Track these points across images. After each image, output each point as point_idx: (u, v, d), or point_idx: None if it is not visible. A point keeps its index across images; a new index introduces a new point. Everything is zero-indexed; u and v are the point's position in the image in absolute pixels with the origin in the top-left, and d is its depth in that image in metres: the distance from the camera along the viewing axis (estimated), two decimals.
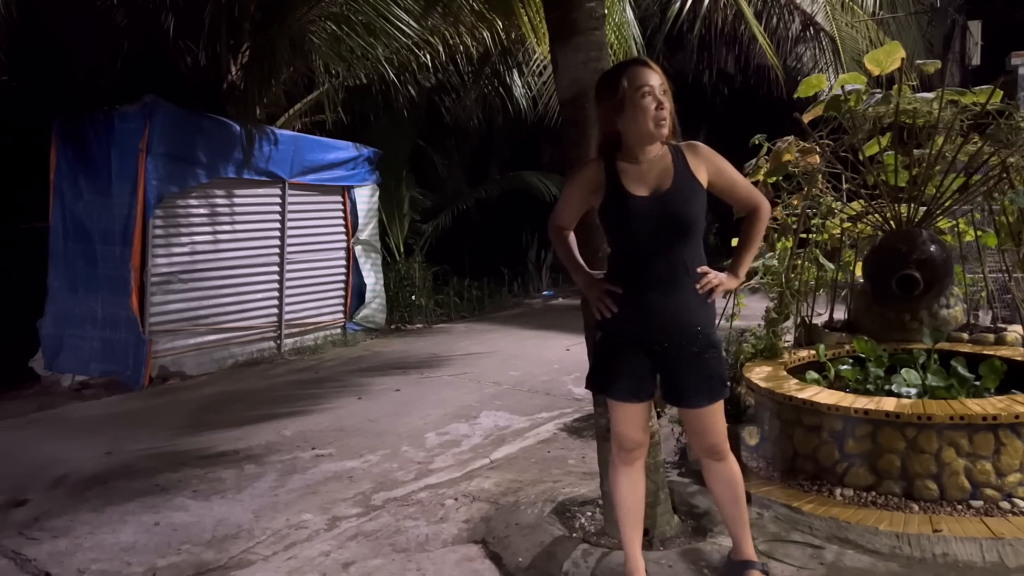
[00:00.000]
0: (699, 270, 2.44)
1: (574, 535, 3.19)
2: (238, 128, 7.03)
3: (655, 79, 2.37)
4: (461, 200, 11.75)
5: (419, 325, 9.72)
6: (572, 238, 2.71)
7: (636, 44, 7.46)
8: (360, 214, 8.80)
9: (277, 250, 7.84)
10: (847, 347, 4.36)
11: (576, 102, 3.06)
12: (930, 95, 4.52)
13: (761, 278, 4.99)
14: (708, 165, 2.47)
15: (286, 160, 7.70)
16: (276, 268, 7.84)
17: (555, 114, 7.12)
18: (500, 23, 7.41)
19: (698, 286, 2.43)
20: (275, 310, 7.83)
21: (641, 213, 2.40)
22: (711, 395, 2.49)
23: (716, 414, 2.53)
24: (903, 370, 3.86)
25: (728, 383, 2.57)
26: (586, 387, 2.66)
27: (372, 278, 8.99)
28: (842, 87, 4.65)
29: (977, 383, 3.74)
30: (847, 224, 5.20)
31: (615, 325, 2.51)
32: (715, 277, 2.46)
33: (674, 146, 2.47)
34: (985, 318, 5.47)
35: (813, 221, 4.98)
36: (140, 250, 6.46)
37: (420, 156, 11.29)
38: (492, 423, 5.24)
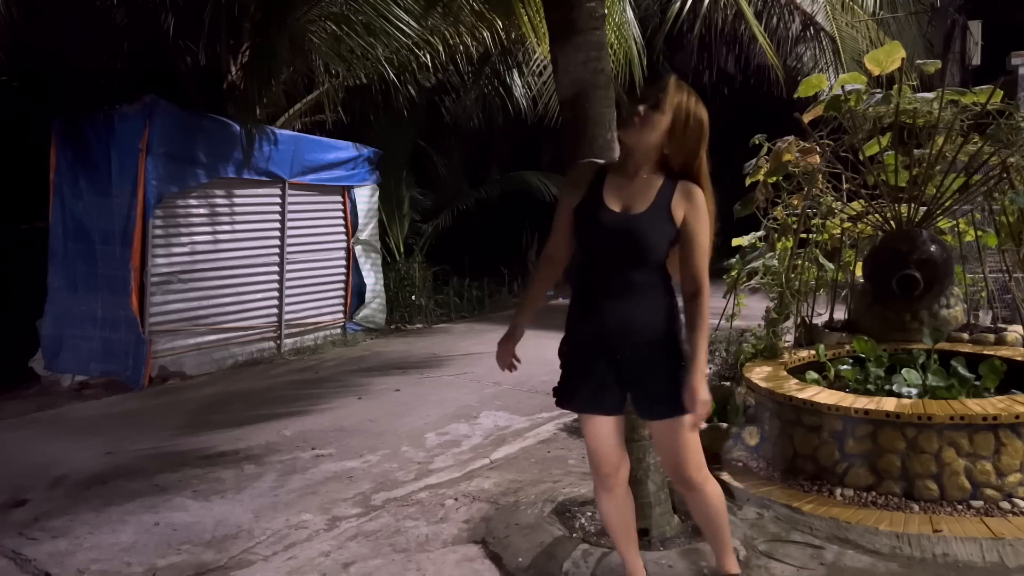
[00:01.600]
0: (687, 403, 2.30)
1: (574, 535, 3.19)
2: (238, 128, 7.03)
3: (654, 89, 2.35)
4: (461, 200, 11.74)
5: (419, 325, 9.72)
6: (549, 279, 2.64)
7: (636, 44, 7.46)
8: (360, 214, 8.80)
9: (277, 250, 7.84)
10: (847, 347, 4.36)
11: (576, 102, 3.06)
12: (930, 95, 4.53)
13: (761, 278, 5.00)
14: (689, 209, 2.35)
15: (286, 160, 7.70)
16: (276, 268, 7.83)
17: (555, 114, 7.13)
18: (500, 23, 7.41)
19: (691, 419, 2.30)
20: (275, 310, 7.83)
21: (604, 226, 2.36)
22: (678, 406, 2.31)
23: (687, 436, 2.39)
24: (904, 370, 3.86)
25: (701, 393, 2.38)
26: (555, 402, 2.55)
27: (372, 278, 8.98)
28: (842, 87, 4.65)
29: (977, 383, 3.74)
30: (847, 224, 5.20)
31: (576, 334, 2.48)
32: (699, 406, 2.26)
33: (672, 178, 2.39)
34: (985, 318, 5.48)
35: (813, 221, 4.98)
36: (140, 250, 6.45)
37: (420, 156, 11.29)
38: (492, 423, 5.24)
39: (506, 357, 2.61)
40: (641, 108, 2.32)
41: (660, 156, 2.37)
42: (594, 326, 2.42)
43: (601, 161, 2.59)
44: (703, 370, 2.31)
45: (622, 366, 2.40)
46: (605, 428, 2.48)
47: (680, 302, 2.41)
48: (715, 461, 3.80)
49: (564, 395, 2.51)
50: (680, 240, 2.38)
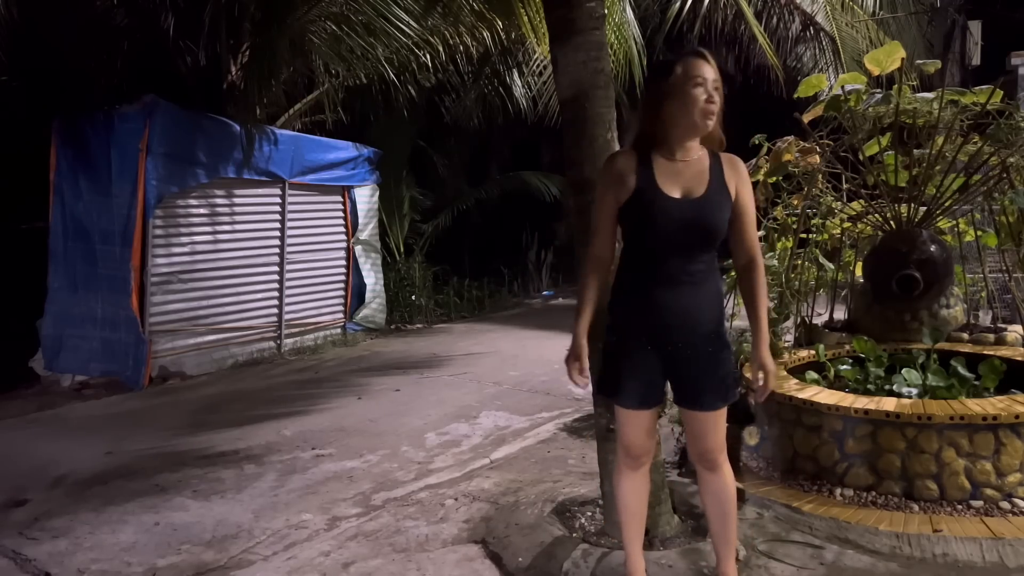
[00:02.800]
0: (755, 385, 2.44)
1: (574, 535, 3.19)
2: (238, 128, 7.03)
3: (710, 72, 2.31)
4: (461, 200, 11.74)
5: (419, 325, 9.72)
6: (601, 281, 2.50)
7: (636, 44, 7.46)
8: (360, 214, 8.80)
9: (277, 250, 7.84)
10: (847, 347, 4.36)
11: (576, 102, 3.06)
12: (930, 95, 4.52)
13: None
14: (739, 182, 2.40)
15: (286, 160, 7.70)
16: (276, 268, 7.83)
17: (555, 114, 7.12)
18: (500, 23, 7.41)
19: (757, 396, 2.46)
20: (275, 310, 7.83)
21: (670, 215, 2.32)
22: (725, 396, 2.45)
23: (720, 418, 2.48)
24: (904, 370, 3.86)
25: (739, 384, 2.53)
26: (595, 392, 2.59)
27: (372, 278, 8.99)
28: (842, 87, 4.65)
29: (977, 383, 3.74)
30: (847, 224, 5.20)
31: (627, 326, 2.44)
32: (768, 378, 2.42)
33: (713, 152, 2.41)
34: (985, 318, 5.48)
35: (813, 221, 4.98)
36: (140, 250, 6.46)
37: (420, 156, 11.29)
38: (492, 423, 5.24)
39: (578, 375, 2.46)
40: (716, 97, 2.30)
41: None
42: (652, 318, 2.38)
43: (628, 147, 2.49)
44: (767, 340, 2.41)
45: (672, 357, 2.40)
46: (647, 419, 2.51)
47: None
48: None
49: (610, 387, 2.51)
50: (734, 214, 2.40)
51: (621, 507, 2.63)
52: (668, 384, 2.51)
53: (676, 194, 2.34)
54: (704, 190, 2.34)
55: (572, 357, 2.47)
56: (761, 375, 2.42)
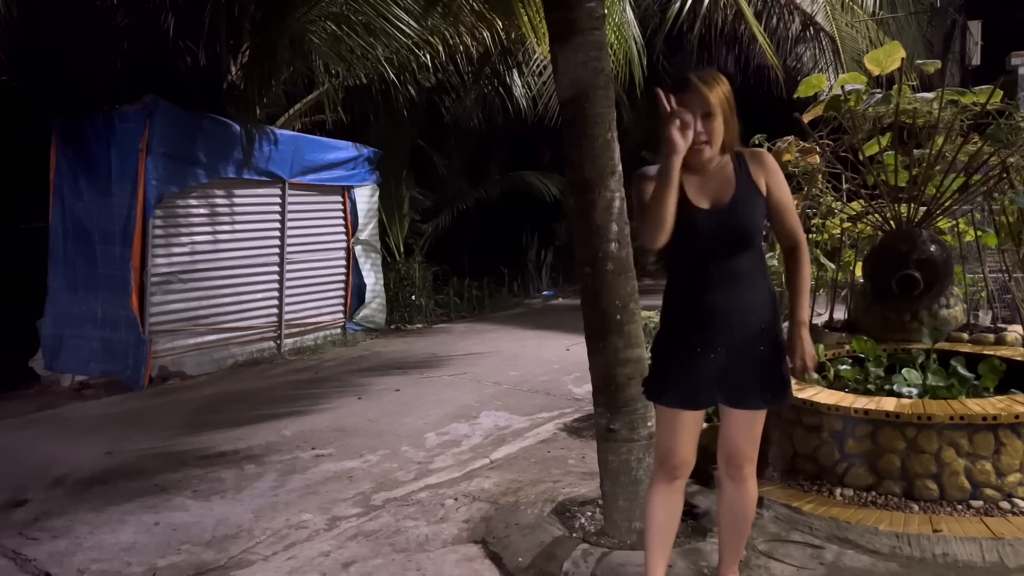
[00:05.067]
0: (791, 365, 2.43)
1: (574, 535, 3.19)
2: (238, 128, 7.03)
3: (697, 100, 2.25)
4: (461, 200, 11.75)
5: (419, 325, 9.72)
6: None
7: (636, 44, 7.46)
8: (360, 214, 8.80)
9: (277, 250, 7.84)
10: (847, 347, 4.36)
11: (576, 102, 3.06)
12: (930, 95, 4.52)
13: None
14: (768, 176, 2.39)
15: (286, 160, 7.71)
16: (276, 268, 7.83)
17: (555, 114, 7.12)
18: (500, 23, 7.41)
19: (796, 371, 2.42)
20: (275, 310, 7.83)
21: (702, 227, 2.33)
22: (774, 396, 2.42)
23: (757, 422, 2.45)
24: (904, 370, 3.86)
25: (790, 387, 2.45)
26: (643, 394, 2.52)
27: (372, 278, 8.99)
28: (842, 87, 4.65)
29: (976, 383, 3.74)
30: (847, 224, 5.20)
31: (676, 331, 2.43)
32: (806, 357, 2.41)
33: (737, 152, 2.40)
34: (985, 318, 5.47)
35: (813, 221, 4.98)
36: (140, 250, 6.46)
37: (420, 156, 11.29)
38: (492, 423, 5.24)
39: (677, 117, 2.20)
40: (700, 128, 2.26)
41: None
42: (700, 322, 2.37)
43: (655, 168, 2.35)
44: (806, 322, 2.41)
45: (724, 359, 2.36)
46: (690, 422, 2.44)
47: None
48: (715, 460, 3.79)
49: (656, 389, 2.46)
50: (769, 208, 2.40)
51: (649, 522, 2.50)
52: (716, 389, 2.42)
53: (705, 205, 2.35)
54: (732, 195, 2.35)
55: (672, 119, 2.20)
56: (798, 360, 2.40)
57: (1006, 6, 11.36)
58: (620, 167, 3.11)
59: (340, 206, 8.68)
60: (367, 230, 8.92)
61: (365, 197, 8.85)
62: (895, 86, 4.45)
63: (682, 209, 2.31)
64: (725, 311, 2.35)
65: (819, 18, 9.44)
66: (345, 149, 8.48)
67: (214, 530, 3.53)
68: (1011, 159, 4.43)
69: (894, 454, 3.30)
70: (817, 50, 9.69)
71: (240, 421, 5.35)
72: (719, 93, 2.30)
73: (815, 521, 3.16)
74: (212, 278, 7.16)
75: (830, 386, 3.87)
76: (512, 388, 6.21)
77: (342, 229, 8.71)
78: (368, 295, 8.92)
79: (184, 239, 6.91)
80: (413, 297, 9.99)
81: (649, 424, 3.07)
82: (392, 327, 9.37)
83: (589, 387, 3.22)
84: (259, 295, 7.67)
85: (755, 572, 2.85)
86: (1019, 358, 4.02)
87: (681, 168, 2.27)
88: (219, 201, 7.24)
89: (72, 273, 6.78)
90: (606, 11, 3.34)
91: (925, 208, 4.62)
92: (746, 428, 2.45)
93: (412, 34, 7.15)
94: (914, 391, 3.69)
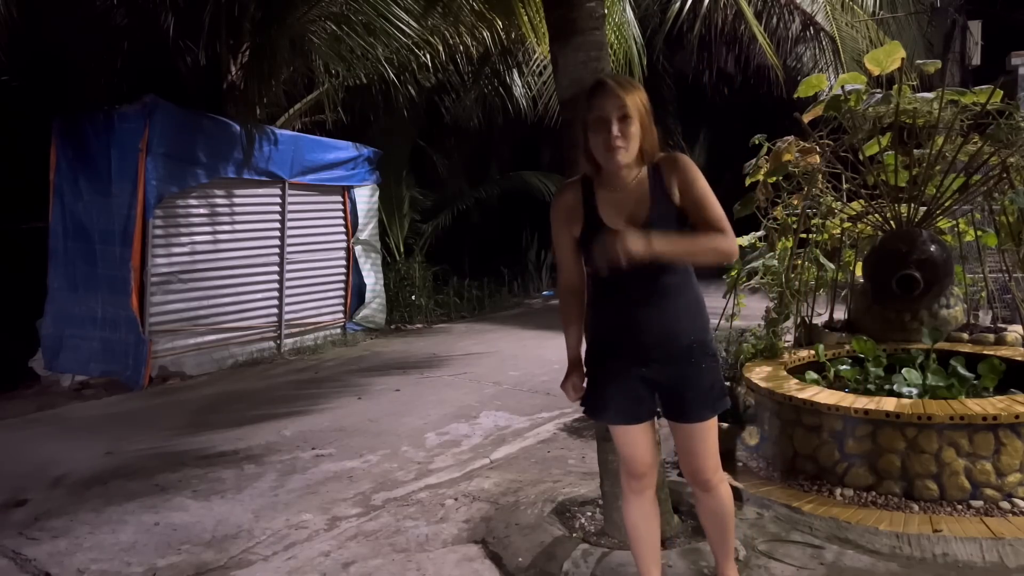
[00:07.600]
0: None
1: (574, 535, 3.19)
2: (238, 128, 7.03)
3: (612, 102, 2.20)
4: (461, 200, 11.74)
5: (419, 325, 9.72)
6: (578, 308, 2.47)
7: (636, 44, 7.46)
8: (360, 214, 8.80)
9: (277, 250, 7.84)
10: (847, 347, 4.36)
11: (576, 102, 3.05)
12: (930, 95, 4.52)
13: (761, 278, 5.00)
14: (680, 177, 2.27)
15: (286, 160, 7.71)
16: (276, 268, 7.84)
17: (555, 114, 7.12)
18: (500, 23, 7.41)
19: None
20: (275, 310, 7.83)
21: None
22: (713, 406, 2.37)
23: (709, 433, 2.40)
24: (904, 369, 3.86)
25: (727, 393, 2.44)
26: (583, 413, 2.52)
27: (372, 278, 8.99)
28: (842, 87, 4.65)
29: (976, 382, 3.74)
30: (847, 224, 5.20)
31: (605, 347, 2.41)
32: (620, 243, 2.11)
33: (653, 165, 2.31)
34: (985, 318, 5.48)
35: (813, 221, 4.98)
36: (140, 250, 6.46)
37: (420, 156, 11.29)
38: (492, 423, 5.24)
39: (573, 390, 2.44)
40: (615, 130, 2.20)
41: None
42: (626, 336, 2.34)
43: (576, 178, 2.41)
44: (665, 240, 2.16)
45: (655, 373, 2.35)
46: (641, 434, 2.43)
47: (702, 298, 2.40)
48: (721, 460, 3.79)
49: (596, 408, 2.45)
50: (686, 210, 2.28)
51: (632, 536, 2.52)
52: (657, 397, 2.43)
53: (621, 226, 2.25)
54: (647, 213, 2.27)
55: (568, 377, 2.44)
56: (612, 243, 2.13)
57: (1006, 6, 11.36)
58: None
59: (340, 206, 8.68)
60: (367, 230, 8.92)
61: (365, 197, 8.85)
62: (895, 86, 4.45)
63: (599, 231, 2.26)
64: (651, 326, 2.31)
65: (819, 18, 9.45)
66: (345, 149, 8.48)
67: (214, 530, 3.53)
68: (1011, 159, 4.43)
69: (894, 454, 3.31)
70: (817, 50, 9.69)
71: (240, 421, 5.35)
72: (636, 98, 2.23)
73: (815, 521, 3.16)
74: (212, 278, 7.16)
75: (830, 386, 3.87)
76: (512, 388, 6.21)
77: (342, 229, 8.71)
78: (368, 295, 8.92)
79: (184, 239, 6.91)
80: (413, 297, 9.99)
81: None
82: (392, 327, 9.37)
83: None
84: (259, 295, 7.67)
85: (755, 572, 2.85)
86: (1019, 358, 4.02)
87: (597, 184, 2.31)
88: (219, 201, 7.24)
89: (72, 273, 6.78)
90: (606, 11, 3.34)
91: (925, 208, 4.62)
92: (700, 442, 2.40)
93: (412, 34, 7.15)
94: (914, 391, 3.70)
